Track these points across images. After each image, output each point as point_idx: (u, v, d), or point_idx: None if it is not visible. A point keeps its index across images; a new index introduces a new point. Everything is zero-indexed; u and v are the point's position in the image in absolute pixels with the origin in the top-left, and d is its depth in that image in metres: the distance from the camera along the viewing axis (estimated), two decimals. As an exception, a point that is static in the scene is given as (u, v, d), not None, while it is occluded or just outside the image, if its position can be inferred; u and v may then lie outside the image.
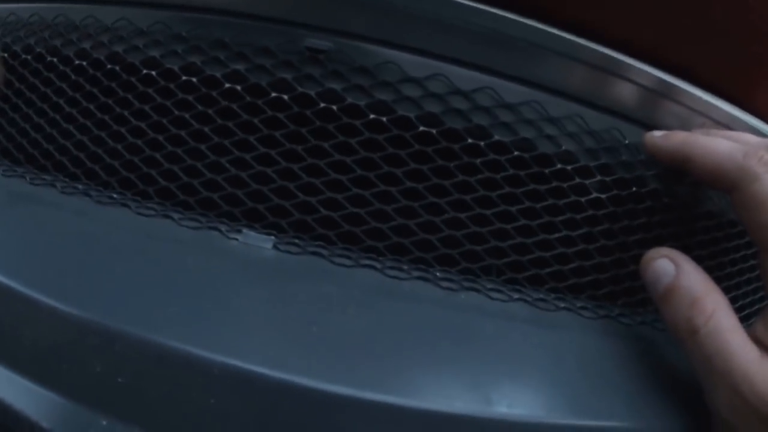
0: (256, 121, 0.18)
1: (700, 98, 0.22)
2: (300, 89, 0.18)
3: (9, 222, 0.19)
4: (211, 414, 0.14)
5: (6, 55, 0.22)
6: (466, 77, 0.18)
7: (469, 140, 0.18)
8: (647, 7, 0.21)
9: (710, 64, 0.23)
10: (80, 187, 0.20)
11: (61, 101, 0.21)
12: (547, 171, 0.18)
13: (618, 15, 0.20)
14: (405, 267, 0.18)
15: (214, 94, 0.18)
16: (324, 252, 0.17)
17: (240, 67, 0.18)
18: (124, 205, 0.19)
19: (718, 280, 0.18)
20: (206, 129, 0.18)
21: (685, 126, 0.22)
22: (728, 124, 0.23)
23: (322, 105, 0.17)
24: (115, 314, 0.15)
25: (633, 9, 0.21)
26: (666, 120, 0.22)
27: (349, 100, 0.17)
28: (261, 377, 0.14)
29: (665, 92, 0.22)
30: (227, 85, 0.18)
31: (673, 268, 0.17)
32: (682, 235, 0.21)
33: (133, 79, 0.19)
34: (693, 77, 0.22)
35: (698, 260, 0.19)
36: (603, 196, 0.20)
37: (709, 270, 0.19)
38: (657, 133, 0.21)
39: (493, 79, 0.18)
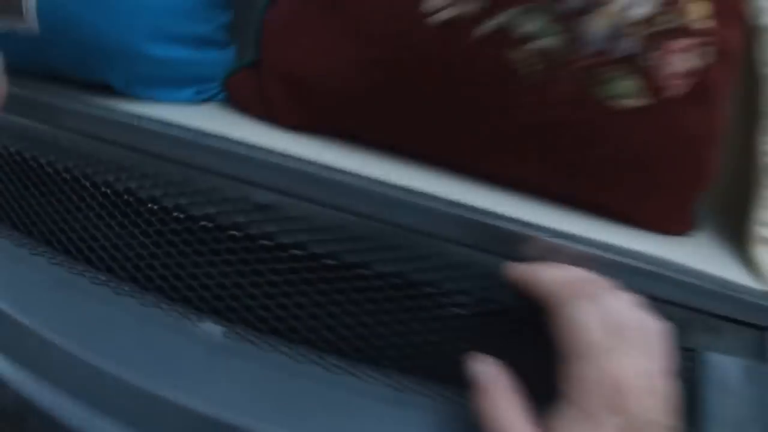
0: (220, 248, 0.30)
1: (549, 241, 0.32)
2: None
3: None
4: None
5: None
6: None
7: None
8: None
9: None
10: (103, 278, 0.32)
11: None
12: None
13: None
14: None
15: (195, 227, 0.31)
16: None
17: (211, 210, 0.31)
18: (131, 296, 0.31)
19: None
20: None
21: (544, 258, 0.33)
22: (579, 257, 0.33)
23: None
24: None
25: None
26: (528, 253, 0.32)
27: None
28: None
29: (525, 233, 0.32)
30: (204, 223, 0.31)
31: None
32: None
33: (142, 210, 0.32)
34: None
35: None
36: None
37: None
38: (512, 264, 0.31)
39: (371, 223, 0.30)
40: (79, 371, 0.30)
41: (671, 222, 0.40)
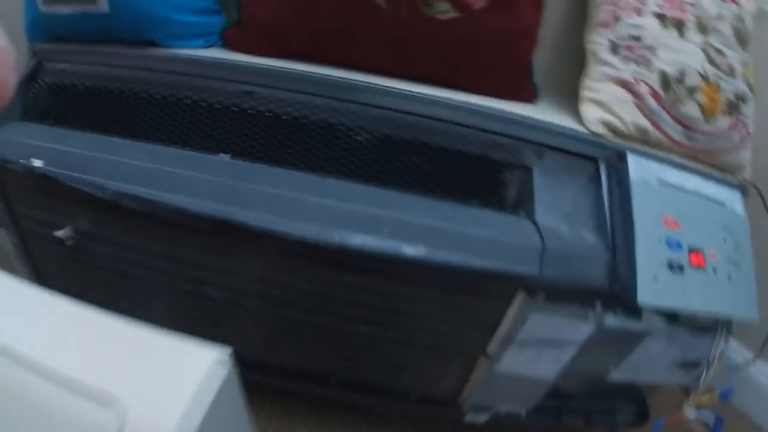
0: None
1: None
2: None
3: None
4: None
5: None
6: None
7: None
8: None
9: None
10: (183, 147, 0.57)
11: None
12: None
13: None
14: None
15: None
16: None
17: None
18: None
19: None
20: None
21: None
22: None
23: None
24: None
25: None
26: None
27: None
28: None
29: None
30: (217, 105, 0.55)
31: None
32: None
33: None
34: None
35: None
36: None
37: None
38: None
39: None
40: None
41: (516, 93, 0.64)
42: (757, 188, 0.71)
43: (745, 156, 0.73)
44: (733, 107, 0.69)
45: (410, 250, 0.49)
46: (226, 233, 0.51)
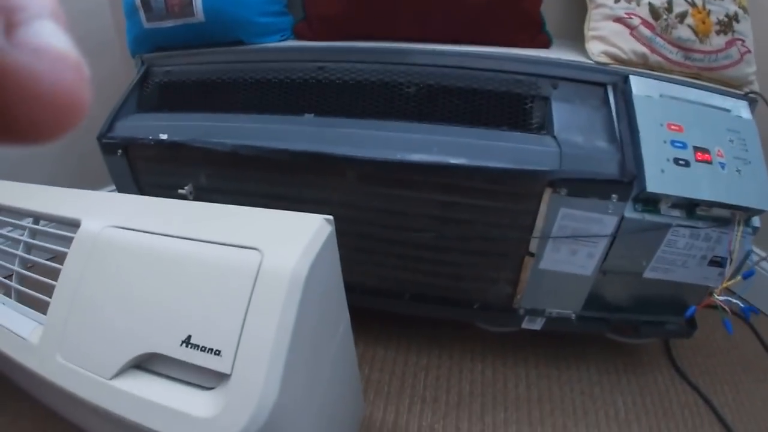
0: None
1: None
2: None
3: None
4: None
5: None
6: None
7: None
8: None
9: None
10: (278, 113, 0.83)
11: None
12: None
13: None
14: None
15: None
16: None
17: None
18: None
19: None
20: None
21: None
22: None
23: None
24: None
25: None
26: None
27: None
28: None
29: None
30: (288, 80, 0.80)
31: None
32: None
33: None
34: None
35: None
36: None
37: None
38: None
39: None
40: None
41: (532, 41, 0.85)
42: (761, 96, 0.87)
43: (748, 70, 0.89)
44: (727, 26, 0.87)
45: (455, 160, 0.71)
46: (319, 165, 0.74)
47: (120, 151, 0.83)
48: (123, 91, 0.92)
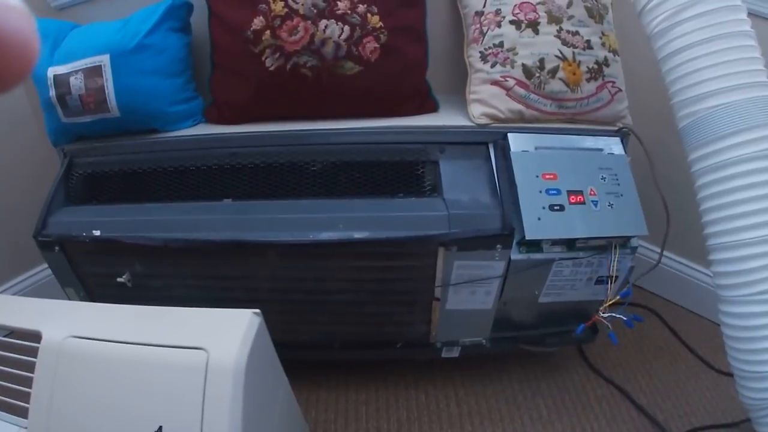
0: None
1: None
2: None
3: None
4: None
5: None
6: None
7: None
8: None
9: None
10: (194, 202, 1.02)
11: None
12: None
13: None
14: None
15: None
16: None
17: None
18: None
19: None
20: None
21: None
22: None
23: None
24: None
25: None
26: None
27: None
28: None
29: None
30: (206, 167, 0.99)
31: None
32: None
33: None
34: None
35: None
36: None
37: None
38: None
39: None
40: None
41: (420, 108, 1.06)
42: (631, 130, 1.10)
43: (619, 107, 1.12)
44: (597, 72, 1.09)
45: (359, 234, 0.92)
46: (241, 250, 0.94)
47: (57, 247, 1.01)
48: (50, 184, 1.10)
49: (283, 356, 0.78)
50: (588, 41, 1.07)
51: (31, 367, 0.70)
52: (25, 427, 0.70)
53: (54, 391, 0.68)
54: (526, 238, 0.94)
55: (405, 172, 0.97)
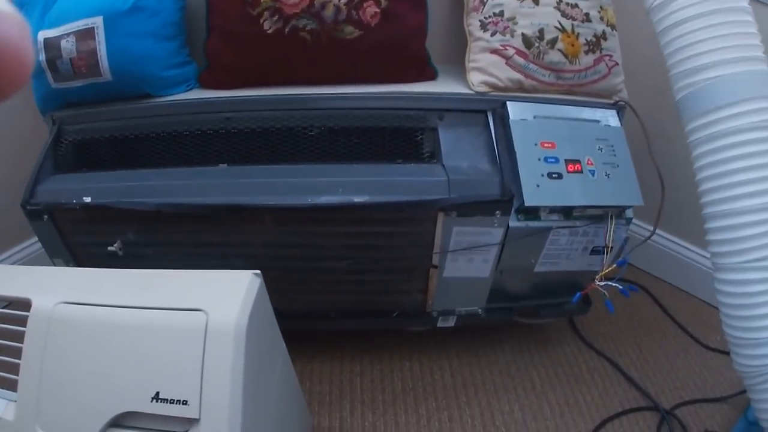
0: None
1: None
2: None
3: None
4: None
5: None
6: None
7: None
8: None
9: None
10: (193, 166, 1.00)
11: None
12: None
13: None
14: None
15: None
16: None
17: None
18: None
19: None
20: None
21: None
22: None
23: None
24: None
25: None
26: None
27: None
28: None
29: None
30: (200, 132, 0.98)
31: None
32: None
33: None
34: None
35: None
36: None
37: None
38: None
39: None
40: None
41: (419, 76, 1.05)
42: (628, 104, 1.11)
43: (616, 80, 1.13)
44: (595, 45, 1.10)
45: (358, 198, 0.91)
46: (237, 214, 0.93)
47: (46, 216, 0.99)
48: (38, 152, 1.07)
49: (280, 326, 0.78)
50: (587, 14, 1.07)
51: (20, 337, 0.67)
52: (14, 401, 0.67)
53: (44, 361, 0.65)
54: (525, 204, 0.94)
55: (404, 138, 0.97)
